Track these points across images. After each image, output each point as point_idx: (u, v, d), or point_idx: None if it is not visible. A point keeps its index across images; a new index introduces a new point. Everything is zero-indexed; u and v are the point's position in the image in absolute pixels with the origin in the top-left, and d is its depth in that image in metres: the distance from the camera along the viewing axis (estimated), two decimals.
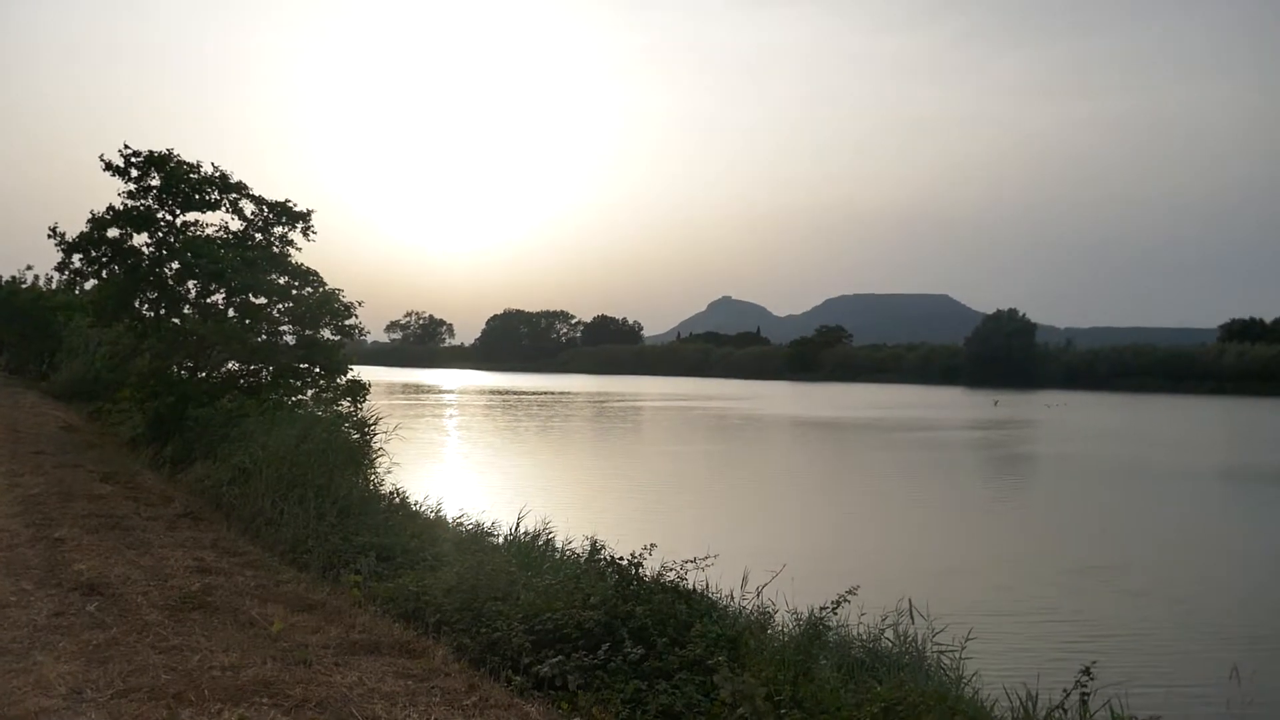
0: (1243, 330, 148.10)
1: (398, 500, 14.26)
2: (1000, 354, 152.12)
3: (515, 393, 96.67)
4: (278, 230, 22.61)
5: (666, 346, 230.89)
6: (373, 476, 16.06)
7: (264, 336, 21.66)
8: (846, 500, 27.00)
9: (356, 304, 22.15)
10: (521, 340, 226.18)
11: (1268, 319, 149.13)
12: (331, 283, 21.90)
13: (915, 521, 23.45)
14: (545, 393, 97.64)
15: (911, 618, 9.96)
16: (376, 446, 17.95)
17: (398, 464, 17.91)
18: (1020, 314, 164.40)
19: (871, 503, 26.53)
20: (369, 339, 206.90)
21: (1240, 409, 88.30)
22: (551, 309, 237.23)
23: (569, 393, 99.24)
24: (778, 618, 9.65)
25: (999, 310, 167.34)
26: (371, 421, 18.91)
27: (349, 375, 21.81)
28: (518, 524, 13.53)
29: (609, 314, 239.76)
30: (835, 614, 8.63)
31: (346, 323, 22.04)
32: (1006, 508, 26.08)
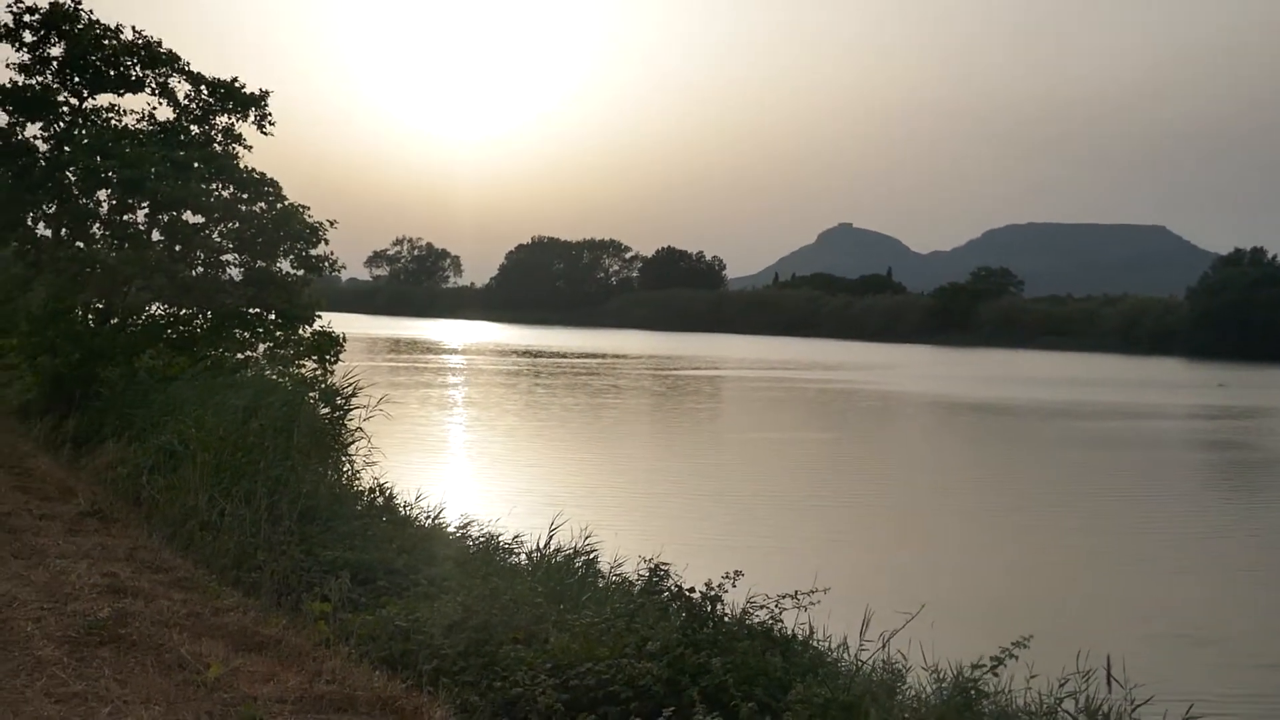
0: None
1: (380, 501, 14.38)
2: (1239, 312, 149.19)
3: (546, 354, 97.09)
4: (221, 120, 22.83)
5: (759, 293, 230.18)
6: (347, 467, 16.22)
7: (200, 269, 21.93)
8: (1011, 517, 26.75)
9: (328, 225, 22.34)
10: (555, 281, 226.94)
11: None
12: (295, 195, 22.07)
13: (1111, 550, 23.17)
14: (588, 355, 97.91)
15: (1108, 684, 9.84)
16: (353, 425, 18.13)
17: (381, 451, 18.06)
18: (1270, 255, 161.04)
19: (1047, 521, 26.27)
20: (344, 275, 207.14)
21: None
22: (598, 238, 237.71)
23: (622, 356, 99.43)
24: (912, 677, 9.60)
25: (1238, 250, 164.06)
26: (347, 390, 19.08)
27: (316, 325, 22.01)
28: (548, 538, 13.58)
29: (678, 246, 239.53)
30: (994, 674, 8.56)
31: (314, 251, 22.23)
32: (1245, 534, 25.65)
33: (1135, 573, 21.08)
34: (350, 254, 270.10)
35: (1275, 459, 41.74)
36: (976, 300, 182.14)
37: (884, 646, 10.06)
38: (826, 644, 10.13)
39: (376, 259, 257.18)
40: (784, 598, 8.74)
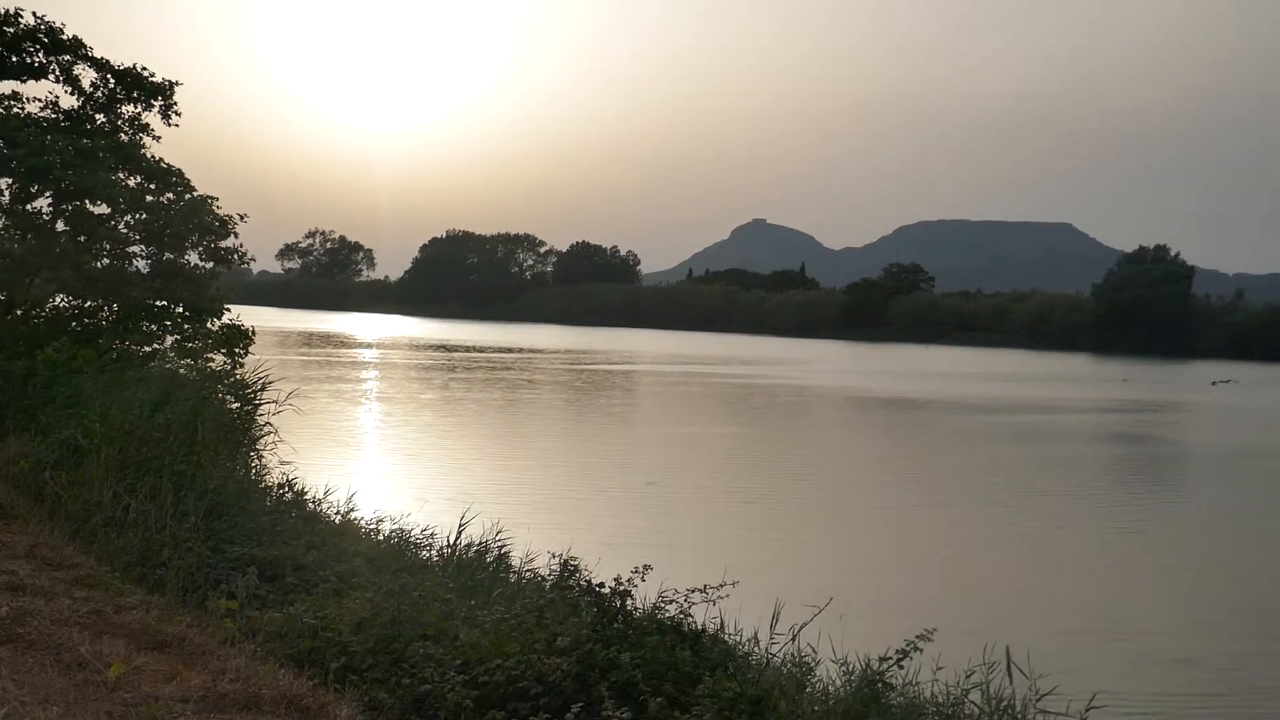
0: None
1: (289, 496, 14.27)
2: (1143, 308, 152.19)
3: (459, 349, 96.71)
4: (127, 110, 22.49)
5: (674, 288, 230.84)
6: (255, 462, 16.06)
7: (106, 260, 21.62)
8: (919, 511, 27.06)
9: (237, 218, 22.12)
10: (469, 275, 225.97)
11: None
12: (207, 186, 21.86)
13: (1015, 543, 23.52)
14: (502, 350, 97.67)
15: (1009, 674, 9.99)
16: (262, 420, 17.96)
17: (291, 446, 17.91)
18: (1173, 253, 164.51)
19: (957, 515, 26.60)
20: (254, 268, 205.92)
21: None
22: (512, 232, 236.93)
23: (536, 350, 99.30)
24: (821, 670, 9.68)
25: (1142, 247, 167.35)
26: (256, 385, 18.89)
27: (225, 318, 21.79)
28: (459, 533, 13.54)
29: (592, 240, 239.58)
30: (901, 667, 8.65)
31: (222, 243, 22.01)
32: (1154, 529, 26.12)
33: (1045, 567, 21.39)
34: (262, 246, 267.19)
35: (1178, 454, 42.60)
36: (889, 296, 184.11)
37: (793, 640, 10.14)
38: (736, 638, 10.19)
39: (288, 251, 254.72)
40: (693, 592, 8.77)
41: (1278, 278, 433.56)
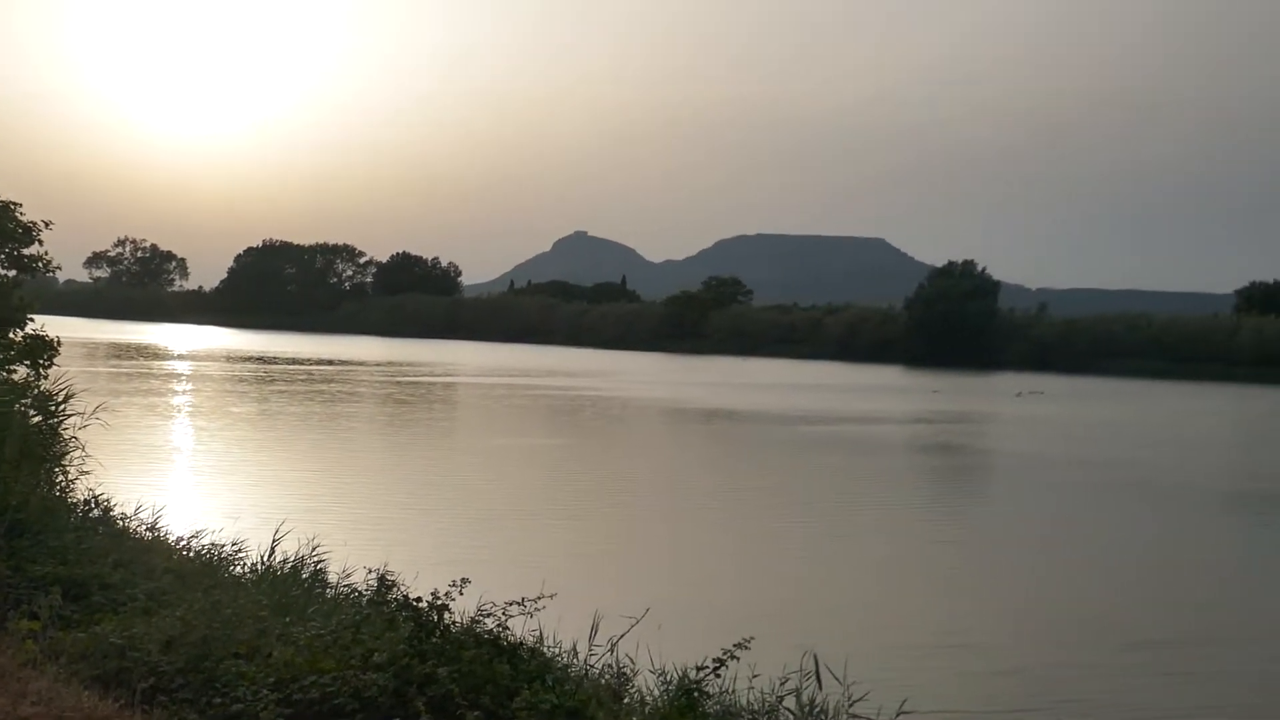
0: (1265, 297, 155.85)
1: (97, 513, 13.86)
2: (951, 321, 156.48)
3: (276, 361, 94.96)
4: None
5: (495, 299, 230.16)
6: (60, 478, 15.57)
7: None
8: (733, 521, 27.41)
9: (42, 225, 21.45)
10: (286, 285, 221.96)
11: None
12: (5, 192, 21.16)
13: (826, 552, 23.95)
14: (320, 362, 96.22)
15: (818, 681, 10.21)
16: (67, 434, 17.42)
17: (99, 461, 17.41)
18: (979, 268, 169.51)
19: (767, 525, 27.00)
20: (61, 277, 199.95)
21: (1266, 400, 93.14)
22: (330, 242, 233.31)
23: (354, 362, 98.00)
24: (639, 680, 9.78)
25: (951, 262, 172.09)
26: (61, 397, 18.31)
27: (29, 328, 21.11)
28: (272, 549, 13.32)
29: (413, 251, 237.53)
30: (717, 675, 8.78)
31: (26, 251, 21.31)
32: (969, 539, 26.81)
33: (864, 576, 21.83)
34: (67, 253, 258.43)
35: (990, 464, 44.00)
36: (708, 308, 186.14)
37: (612, 650, 10.23)
38: (555, 650, 10.23)
39: (96, 260, 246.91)
40: (511, 605, 8.76)
41: (1078, 292, 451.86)
